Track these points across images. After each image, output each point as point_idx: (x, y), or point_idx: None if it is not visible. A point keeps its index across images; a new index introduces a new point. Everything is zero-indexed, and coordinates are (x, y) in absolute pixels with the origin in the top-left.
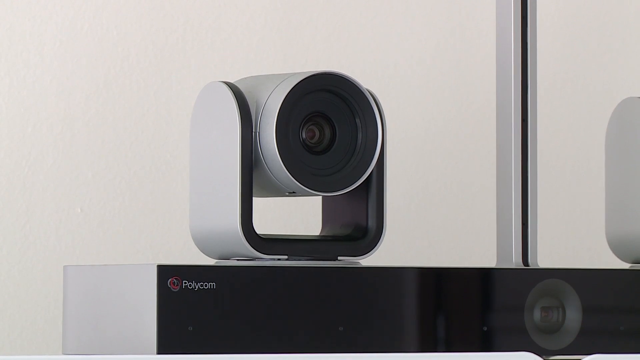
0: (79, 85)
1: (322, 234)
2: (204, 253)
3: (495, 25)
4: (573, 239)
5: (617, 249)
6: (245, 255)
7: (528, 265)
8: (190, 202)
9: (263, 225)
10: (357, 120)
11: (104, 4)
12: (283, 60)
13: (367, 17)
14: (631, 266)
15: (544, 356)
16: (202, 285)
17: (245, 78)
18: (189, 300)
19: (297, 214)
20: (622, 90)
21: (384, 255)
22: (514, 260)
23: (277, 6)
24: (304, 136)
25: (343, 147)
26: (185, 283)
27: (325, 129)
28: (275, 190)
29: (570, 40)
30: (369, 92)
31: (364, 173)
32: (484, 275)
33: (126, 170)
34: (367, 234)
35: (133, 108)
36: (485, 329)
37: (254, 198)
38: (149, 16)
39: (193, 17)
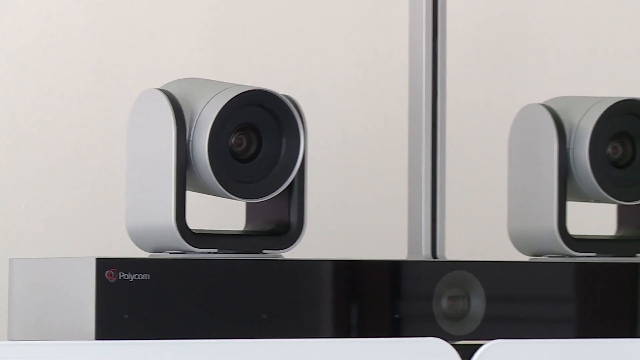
0: (25, 90)
1: (247, 229)
2: (138, 247)
3: (408, 39)
4: (478, 233)
5: (518, 243)
6: (178, 248)
7: (436, 258)
8: (127, 200)
9: (194, 220)
10: (283, 134)
11: (49, 13)
12: (214, 70)
13: (292, 31)
14: (531, 258)
15: (450, 341)
16: (137, 277)
17: (180, 80)
18: (125, 291)
19: (227, 210)
20: (524, 97)
21: (305, 249)
22: (424, 253)
23: (209, 22)
24: (232, 145)
25: (267, 157)
26: (121, 274)
27: (253, 139)
28: (206, 190)
29: (477, 50)
30: (295, 105)
31: (285, 182)
32: (395, 267)
33: (68, 171)
34: (289, 229)
35: (75, 112)
36: (396, 316)
37: (188, 193)
38: (91, 26)
39: (131, 28)
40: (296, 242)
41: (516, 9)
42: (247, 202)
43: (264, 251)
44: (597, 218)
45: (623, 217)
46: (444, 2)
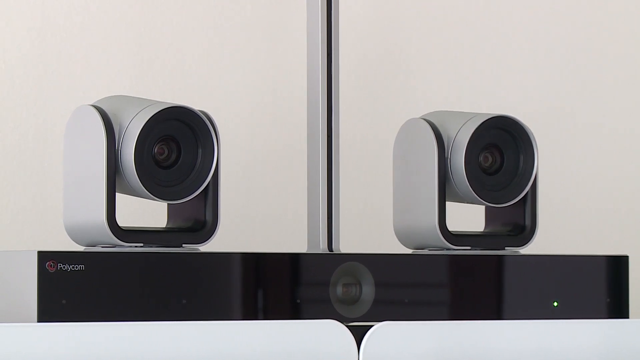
0: None
1: (168, 226)
2: (74, 241)
3: (306, 62)
4: (368, 230)
5: (402, 238)
6: (109, 243)
7: (332, 251)
8: (64, 202)
9: (122, 218)
10: (199, 144)
11: None
12: (139, 88)
13: (207, 55)
14: (413, 251)
15: (344, 323)
16: (73, 267)
17: (110, 97)
18: (63, 279)
19: (151, 210)
20: (407, 111)
21: (219, 243)
22: (321, 247)
23: (134, 47)
24: (155, 154)
25: (186, 164)
26: (60, 265)
27: (173, 149)
28: (133, 192)
29: (368, 73)
30: (210, 120)
31: (201, 185)
32: (297, 259)
33: (12, 176)
34: (205, 226)
35: (17, 125)
36: (298, 301)
37: (117, 195)
38: (32, 51)
39: (67, 51)
40: (211, 238)
41: (399, 39)
42: (168, 203)
43: (184, 245)
44: (466, 216)
45: (491, 216)
46: (337, 34)
